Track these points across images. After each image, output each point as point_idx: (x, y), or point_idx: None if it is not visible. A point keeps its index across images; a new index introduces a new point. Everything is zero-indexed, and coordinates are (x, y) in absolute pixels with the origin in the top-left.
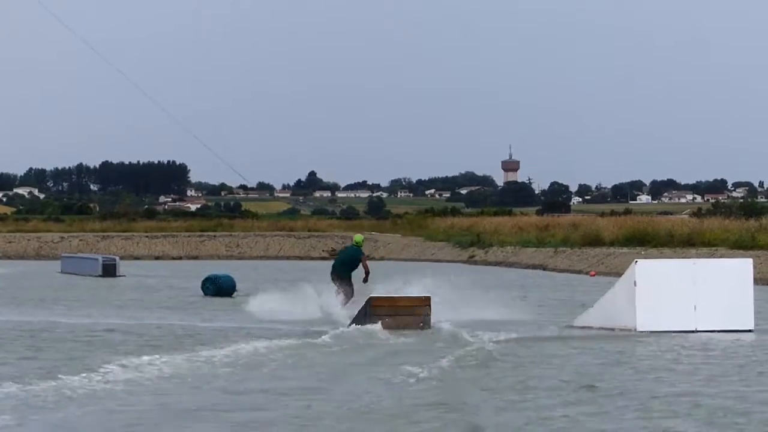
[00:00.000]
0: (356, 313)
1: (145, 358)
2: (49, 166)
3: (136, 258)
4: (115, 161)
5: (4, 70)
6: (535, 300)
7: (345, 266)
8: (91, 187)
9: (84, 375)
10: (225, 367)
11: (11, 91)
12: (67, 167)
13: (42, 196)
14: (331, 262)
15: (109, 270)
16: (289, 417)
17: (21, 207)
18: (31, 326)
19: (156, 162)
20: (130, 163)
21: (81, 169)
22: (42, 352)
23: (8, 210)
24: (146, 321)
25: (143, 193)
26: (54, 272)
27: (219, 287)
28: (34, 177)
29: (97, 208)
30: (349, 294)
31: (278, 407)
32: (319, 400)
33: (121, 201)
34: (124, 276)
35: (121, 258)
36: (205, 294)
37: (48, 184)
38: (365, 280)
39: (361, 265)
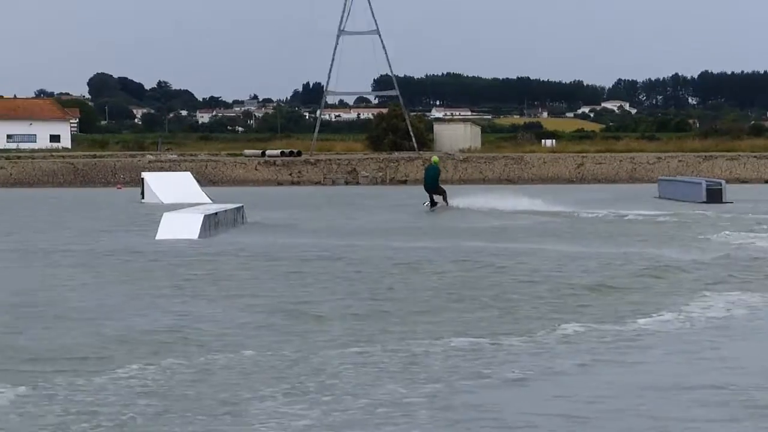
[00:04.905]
0: None
1: None
2: (640, 77)
3: (743, 181)
4: (715, 71)
5: None
6: None
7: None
8: (689, 100)
9: None
10: None
11: None
12: (661, 78)
13: (633, 111)
14: None
15: (714, 195)
16: None
17: (610, 123)
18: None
19: (762, 72)
20: (733, 72)
21: (677, 79)
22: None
23: (596, 127)
24: None
25: (749, 106)
26: (651, 197)
27: None
28: (624, 89)
29: (697, 125)
30: (443, 192)
31: None
32: None
33: (723, 116)
34: (731, 203)
35: (727, 181)
36: None
37: (640, 97)
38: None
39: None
